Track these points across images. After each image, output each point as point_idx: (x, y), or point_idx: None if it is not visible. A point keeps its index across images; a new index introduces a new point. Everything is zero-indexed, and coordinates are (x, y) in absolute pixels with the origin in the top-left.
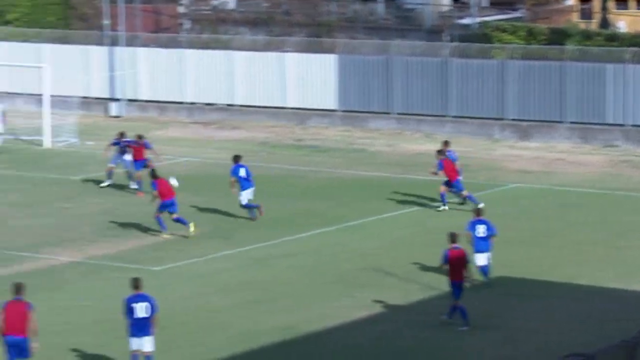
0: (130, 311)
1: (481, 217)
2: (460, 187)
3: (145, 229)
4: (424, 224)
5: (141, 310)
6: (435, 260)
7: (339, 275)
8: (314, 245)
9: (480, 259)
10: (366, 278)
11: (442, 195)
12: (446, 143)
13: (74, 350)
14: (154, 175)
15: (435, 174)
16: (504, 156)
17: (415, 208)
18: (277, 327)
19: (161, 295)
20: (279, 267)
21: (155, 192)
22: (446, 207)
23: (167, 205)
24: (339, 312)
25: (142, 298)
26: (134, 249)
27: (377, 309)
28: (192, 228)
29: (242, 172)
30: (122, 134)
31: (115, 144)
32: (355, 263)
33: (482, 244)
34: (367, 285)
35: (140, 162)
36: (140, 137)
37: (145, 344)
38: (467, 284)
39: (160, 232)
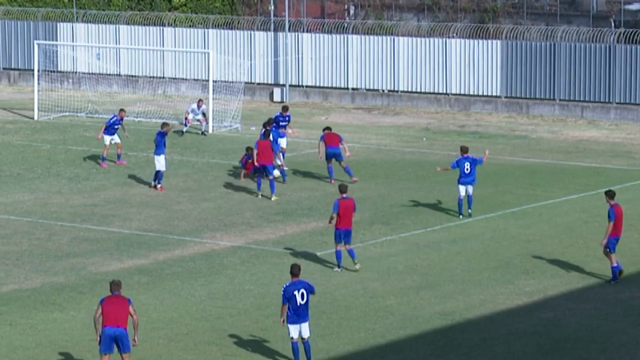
0: (291, 299)
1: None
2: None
3: (308, 214)
4: (587, 211)
5: (301, 297)
6: (599, 249)
7: (500, 261)
8: (476, 232)
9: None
10: (527, 265)
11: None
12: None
13: (233, 335)
14: None
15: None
16: None
17: (579, 195)
18: (437, 313)
19: (322, 280)
20: (441, 253)
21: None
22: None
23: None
24: (498, 299)
25: (301, 285)
26: (296, 234)
27: (537, 296)
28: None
29: None
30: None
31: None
32: (517, 250)
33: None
34: (528, 272)
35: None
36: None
37: (304, 329)
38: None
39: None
